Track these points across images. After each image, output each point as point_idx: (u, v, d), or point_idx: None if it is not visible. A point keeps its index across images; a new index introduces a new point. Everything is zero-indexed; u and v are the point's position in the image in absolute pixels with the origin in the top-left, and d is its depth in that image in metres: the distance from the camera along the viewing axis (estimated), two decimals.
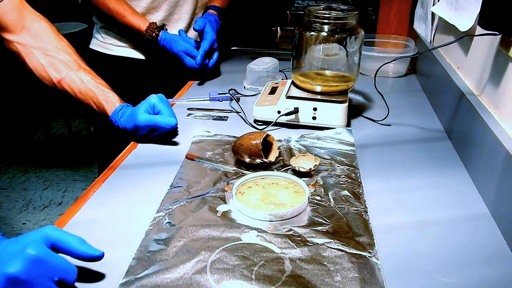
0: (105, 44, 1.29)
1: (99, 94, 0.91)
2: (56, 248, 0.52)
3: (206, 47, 1.20)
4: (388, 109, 1.02)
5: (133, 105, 0.92)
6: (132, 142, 0.92)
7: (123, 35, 1.26)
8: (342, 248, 0.60)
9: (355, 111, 1.08)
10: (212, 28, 1.24)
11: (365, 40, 1.15)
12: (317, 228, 0.64)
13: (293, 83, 1.05)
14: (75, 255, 0.53)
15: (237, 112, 1.08)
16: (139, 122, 0.86)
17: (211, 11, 1.31)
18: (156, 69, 1.32)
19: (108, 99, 0.91)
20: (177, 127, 0.96)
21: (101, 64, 1.29)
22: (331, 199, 0.71)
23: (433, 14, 1.26)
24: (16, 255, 0.48)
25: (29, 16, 0.89)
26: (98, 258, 0.54)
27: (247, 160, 0.80)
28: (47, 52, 0.89)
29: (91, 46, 1.33)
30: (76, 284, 0.55)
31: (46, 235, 0.52)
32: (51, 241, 0.52)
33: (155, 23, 1.21)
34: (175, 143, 0.92)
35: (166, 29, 1.23)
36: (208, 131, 0.94)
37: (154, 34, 1.19)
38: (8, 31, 0.87)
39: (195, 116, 1.06)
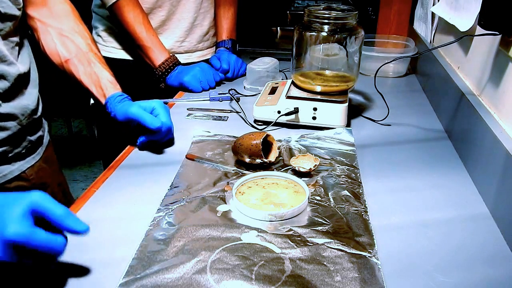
0: (107, 47, 1.28)
1: (103, 78, 0.91)
2: (41, 218, 0.52)
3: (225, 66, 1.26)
4: (388, 109, 1.02)
5: None
6: None
7: (125, 37, 1.25)
8: (342, 248, 0.60)
9: (355, 111, 1.08)
10: (224, 54, 1.30)
11: (365, 40, 1.15)
12: (317, 228, 0.64)
13: (293, 83, 1.05)
14: (60, 228, 0.53)
15: (237, 112, 1.08)
16: (130, 112, 0.85)
17: (221, 48, 1.34)
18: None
19: (109, 86, 0.91)
20: (172, 133, 0.92)
21: None
22: (331, 199, 0.71)
23: (433, 14, 1.26)
24: None
25: None
26: (82, 233, 0.53)
27: (247, 160, 0.80)
28: (62, 33, 0.91)
29: None
30: (76, 284, 0.55)
31: (31, 207, 0.51)
32: (36, 212, 0.51)
33: (173, 57, 1.21)
34: (175, 143, 0.92)
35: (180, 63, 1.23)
36: (208, 131, 0.94)
37: (165, 70, 1.19)
38: (32, 6, 0.89)
39: (195, 116, 1.06)
